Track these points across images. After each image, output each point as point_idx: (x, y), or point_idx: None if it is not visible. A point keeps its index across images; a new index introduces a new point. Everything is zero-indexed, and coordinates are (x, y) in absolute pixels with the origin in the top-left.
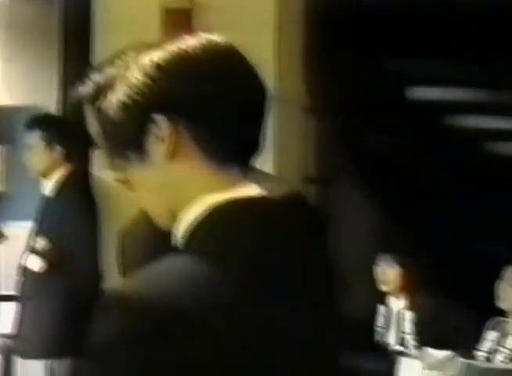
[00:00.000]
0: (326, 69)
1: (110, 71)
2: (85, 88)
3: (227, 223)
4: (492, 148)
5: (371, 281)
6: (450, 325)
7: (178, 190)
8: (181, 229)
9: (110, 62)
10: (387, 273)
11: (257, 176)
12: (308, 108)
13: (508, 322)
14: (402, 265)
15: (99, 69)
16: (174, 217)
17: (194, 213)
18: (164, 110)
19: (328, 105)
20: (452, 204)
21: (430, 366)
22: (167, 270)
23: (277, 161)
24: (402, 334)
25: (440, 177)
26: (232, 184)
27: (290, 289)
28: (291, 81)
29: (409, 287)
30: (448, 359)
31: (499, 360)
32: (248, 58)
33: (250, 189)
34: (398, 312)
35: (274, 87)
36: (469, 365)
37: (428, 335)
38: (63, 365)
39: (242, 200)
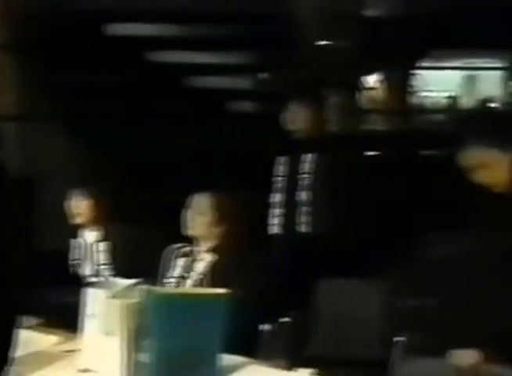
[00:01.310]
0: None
1: None
2: None
3: None
4: (189, 83)
5: (64, 216)
6: (142, 254)
7: None
8: None
9: None
10: (80, 207)
11: None
12: (3, 45)
13: (196, 248)
14: (94, 197)
15: None
16: None
17: None
18: None
19: (24, 43)
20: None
21: (114, 295)
22: None
23: None
24: (97, 266)
25: (140, 112)
26: None
27: None
28: None
29: (101, 219)
30: (131, 286)
31: (189, 285)
32: None
33: None
34: (92, 244)
35: None
36: (148, 291)
37: (121, 265)
38: None
39: None
